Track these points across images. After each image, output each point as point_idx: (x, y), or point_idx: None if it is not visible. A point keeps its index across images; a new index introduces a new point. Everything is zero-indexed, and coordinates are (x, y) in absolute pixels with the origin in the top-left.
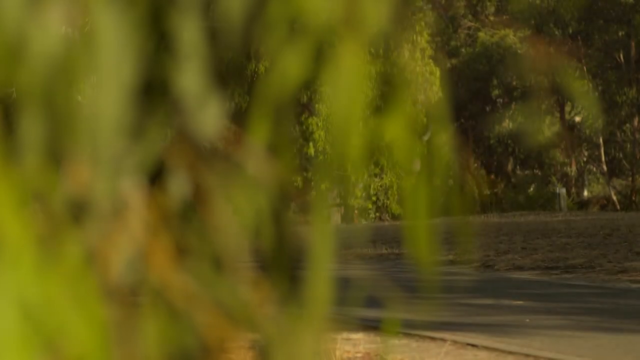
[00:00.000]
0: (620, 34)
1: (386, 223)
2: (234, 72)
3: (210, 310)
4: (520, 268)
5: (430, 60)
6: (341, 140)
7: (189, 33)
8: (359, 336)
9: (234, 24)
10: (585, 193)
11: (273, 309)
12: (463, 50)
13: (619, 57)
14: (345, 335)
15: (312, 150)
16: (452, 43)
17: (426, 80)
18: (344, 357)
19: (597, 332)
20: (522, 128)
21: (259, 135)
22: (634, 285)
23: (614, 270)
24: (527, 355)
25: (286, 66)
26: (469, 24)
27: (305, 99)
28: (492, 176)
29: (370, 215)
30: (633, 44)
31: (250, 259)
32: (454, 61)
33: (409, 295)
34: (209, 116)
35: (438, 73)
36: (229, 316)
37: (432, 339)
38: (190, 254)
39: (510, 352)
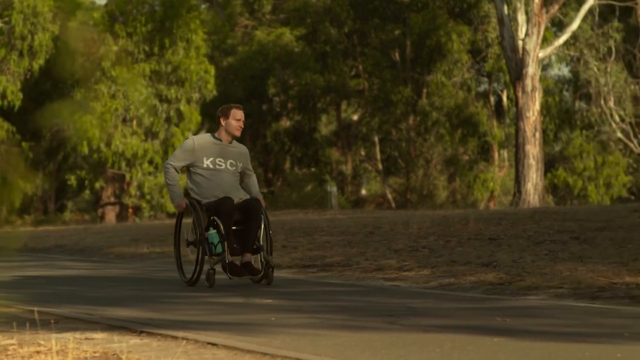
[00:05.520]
0: (396, 32)
1: (156, 222)
2: None
3: None
4: (278, 266)
5: (205, 59)
6: None
7: None
8: (100, 335)
9: None
10: (363, 191)
11: None
12: (240, 48)
13: (395, 56)
14: (85, 334)
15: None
16: (229, 41)
17: (201, 78)
18: (80, 356)
19: (340, 330)
20: (298, 126)
21: None
22: (388, 283)
23: (370, 268)
24: (265, 354)
25: None
26: (246, 22)
27: None
28: (270, 175)
29: (145, 214)
30: (408, 42)
31: None
32: (230, 59)
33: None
34: None
35: (213, 71)
36: None
37: (174, 338)
38: None
39: (249, 351)
